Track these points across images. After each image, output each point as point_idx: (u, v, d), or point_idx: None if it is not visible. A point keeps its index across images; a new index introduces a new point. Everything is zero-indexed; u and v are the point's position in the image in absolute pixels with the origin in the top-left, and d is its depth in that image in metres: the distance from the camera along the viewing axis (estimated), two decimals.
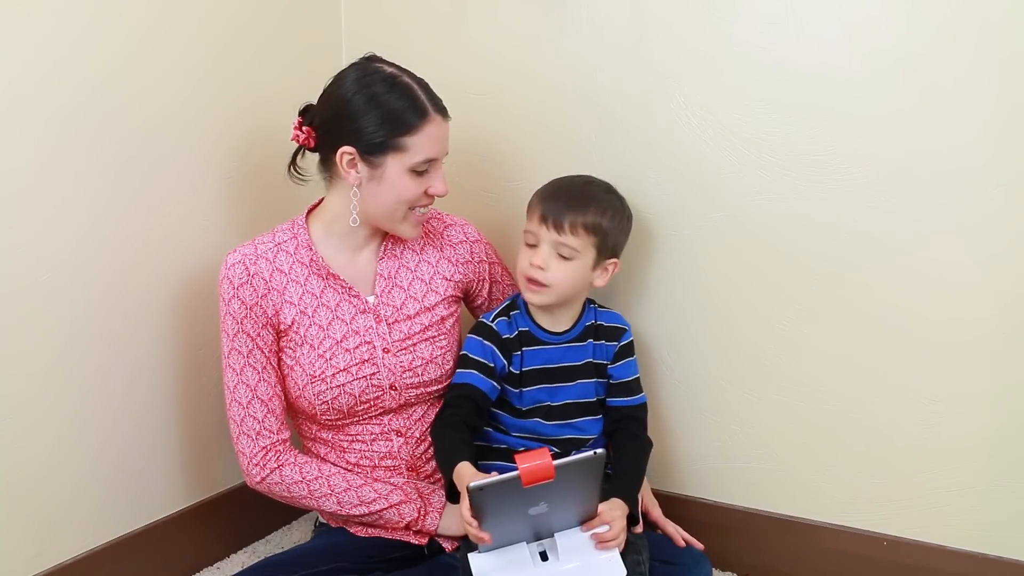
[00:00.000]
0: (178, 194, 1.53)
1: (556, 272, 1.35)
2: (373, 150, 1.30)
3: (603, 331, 1.45)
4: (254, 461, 1.36)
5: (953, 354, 1.41)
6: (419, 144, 1.31)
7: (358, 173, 1.32)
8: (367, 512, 1.37)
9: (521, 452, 1.15)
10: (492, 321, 1.42)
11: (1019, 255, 1.35)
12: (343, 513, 1.38)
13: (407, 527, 1.38)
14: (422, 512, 1.37)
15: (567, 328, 1.44)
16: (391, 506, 1.36)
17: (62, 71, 1.33)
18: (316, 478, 1.37)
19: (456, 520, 1.34)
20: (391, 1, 1.77)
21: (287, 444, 1.39)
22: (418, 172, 1.32)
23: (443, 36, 1.72)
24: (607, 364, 1.45)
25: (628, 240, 1.58)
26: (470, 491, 1.12)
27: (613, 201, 1.41)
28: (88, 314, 1.41)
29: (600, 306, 1.49)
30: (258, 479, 1.37)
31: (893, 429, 1.47)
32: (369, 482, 1.38)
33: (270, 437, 1.37)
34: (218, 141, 1.59)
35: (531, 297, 1.39)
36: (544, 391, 1.42)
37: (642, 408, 1.47)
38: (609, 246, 1.39)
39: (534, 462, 1.12)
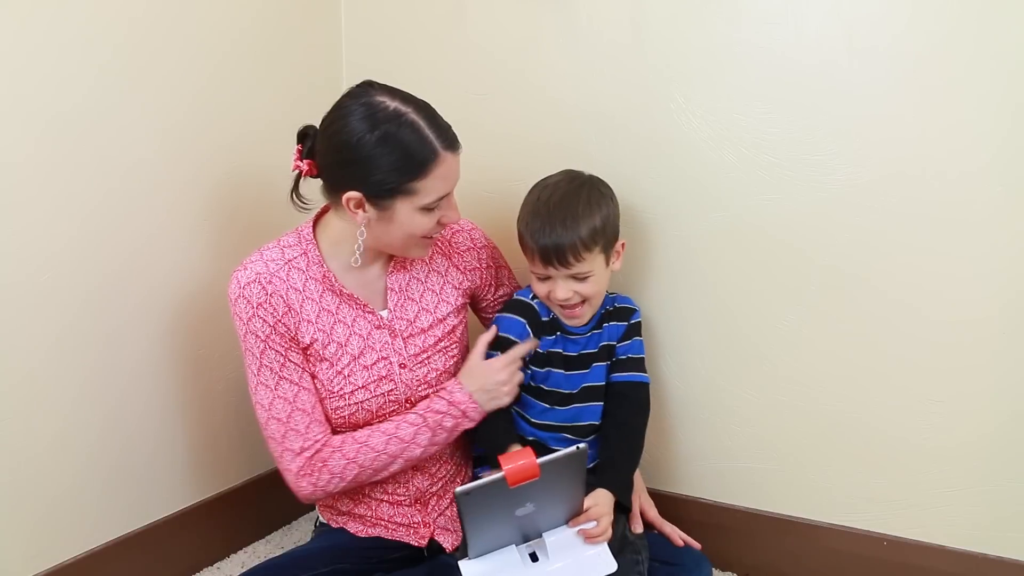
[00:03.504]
0: (179, 195, 1.53)
1: (583, 293, 1.35)
2: (381, 195, 1.25)
3: (614, 313, 1.46)
4: (301, 474, 1.31)
5: (954, 354, 1.41)
6: (429, 186, 1.25)
7: (365, 213, 1.27)
8: (422, 450, 1.33)
9: (505, 453, 1.15)
10: (532, 299, 1.42)
11: (1020, 254, 1.35)
12: (401, 463, 1.34)
13: (454, 429, 1.34)
14: (460, 409, 1.34)
15: (588, 320, 1.44)
16: (433, 429, 1.33)
17: (60, 76, 1.33)
18: (358, 450, 1.32)
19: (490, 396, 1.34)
20: (391, 1, 1.77)
21: (327, 441, 1.33)
22: (429, 208, 1.28)
23: (443, 36, 1.72)
24: (615, 344, 1.45)
25: (628, 239, 1.58)
26: (456, 496, 1.12)
27: (594, 195, 1.36)
28: (87, 314, 1.41)
29: (612, 292, 1.49)
30: (308, 490, 1.32)
31: (894, 429, 1.47)
32: (396, 422, 1.34)
33: (315, 447, 1.31)
34: (218, 143, 1.59)
35: (572, 322, 1.40)
36: (563, 377, 1.42)
37: (638, 387, 1.44)
38: (611, 237, 1.38)
39: (518, 462, 1.12)
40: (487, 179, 1.70)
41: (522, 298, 1.44)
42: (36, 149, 1.31)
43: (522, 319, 1.41)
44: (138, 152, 1.45)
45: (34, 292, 1.34)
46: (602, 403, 1.45)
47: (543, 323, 1.42)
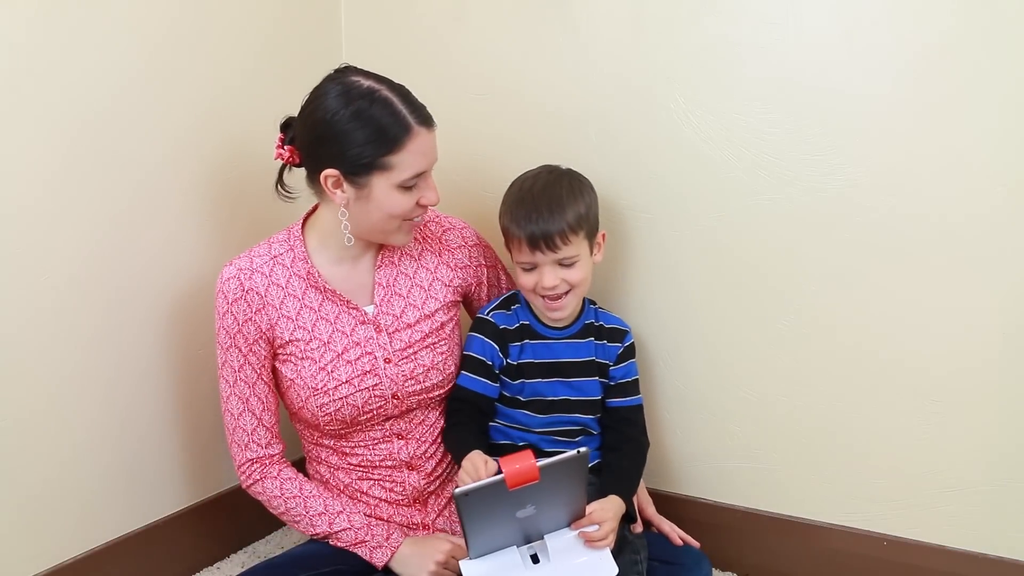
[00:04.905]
0: (178, 195, 1.54)
1: (570, 280, 1.36)
2: (357, 171, 1.27)
3: (605, 332, 1.46)
4: (241, 469, 1.40)
5: (954, 354, 1.41)
6: (405, 161, 1.27)
7: (344, 193, 1.29)
8: (334, 542, 1.37)
9: (505, 455, 1.15)
10: (488, 314, 1.43)
11: (1020, 255, 1.35)
12: (309, 532, 1.39)
13: (354, 544, 1.36)
14: (373, 545, 1.35)
15: (568, 324, 1.44)
16: (353, 543, 1.36)
17: (62, 80, 1.33)
18: (294, 497, 1.38)
19: (415, 566, 1.33)
20: (391, 1, 1.77)
21: (274, 458, 1.40)
22: (406, 187, 1.29)
23: (443, 36, 1.72)
24: (609, 365, 1.45)
25: (627, 239, 1.58)
26: (455, 497, 1.12)
27: (575, 184, 1.39)
28: (89, 316, 1.41)
29: (599, 307, 1.49)
30: (244, 485, 1.41)
31: (893, 429, 1.47)
32: (347, 511, 1.38)
33: (257, 450, 1.39)
34: (217, 143, 1.59)
35: (555, 315, 1.40)
36: (543, 384, 1.42)
37: (638, 410, 1.47)
38: (594, 225, 1.40)
39: (518, 464, 1.11)
40: (486, 178, 1.70)
41: (480, 315, 1.45)
42: (41, 154, 1.32)
43: (490, 340, 1.41)
44: (136, 151, 1.45)
45: (35, 294, 1.34)
46: (590, 416, 1.44)
47: (506, 331, 1.42)
